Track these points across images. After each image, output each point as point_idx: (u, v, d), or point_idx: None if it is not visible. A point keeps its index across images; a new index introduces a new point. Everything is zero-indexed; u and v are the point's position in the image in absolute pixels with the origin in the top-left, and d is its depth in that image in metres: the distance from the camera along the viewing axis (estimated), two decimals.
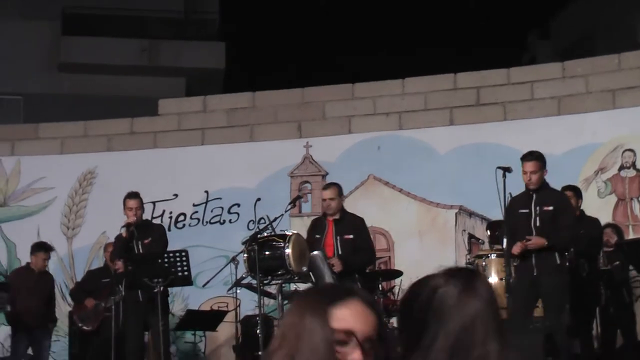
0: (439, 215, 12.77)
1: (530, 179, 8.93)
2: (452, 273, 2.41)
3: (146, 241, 10.20)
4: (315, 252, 9.16)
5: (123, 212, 10.29)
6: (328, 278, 9.01)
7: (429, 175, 12.78)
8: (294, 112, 13.64)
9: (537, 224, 8.84)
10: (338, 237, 9.52)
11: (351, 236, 9.57)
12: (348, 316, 2.21)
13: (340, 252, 9.48)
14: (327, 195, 9.81)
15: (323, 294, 2.30)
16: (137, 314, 9.99)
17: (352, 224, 9.73)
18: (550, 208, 8.87)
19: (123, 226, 10.13)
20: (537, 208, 8.88)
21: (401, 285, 11.90)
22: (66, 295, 13.21)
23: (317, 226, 9.89)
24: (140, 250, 10.17)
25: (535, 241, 8.71)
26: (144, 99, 17.55)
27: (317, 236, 9.54)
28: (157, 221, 13.07)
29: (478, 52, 21.26)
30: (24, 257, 12.38)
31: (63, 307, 12.99)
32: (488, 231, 10.77)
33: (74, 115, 15.16)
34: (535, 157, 9.05)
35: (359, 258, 9.57)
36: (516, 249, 8.71)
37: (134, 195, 10.31)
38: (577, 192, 10.52)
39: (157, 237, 10.34)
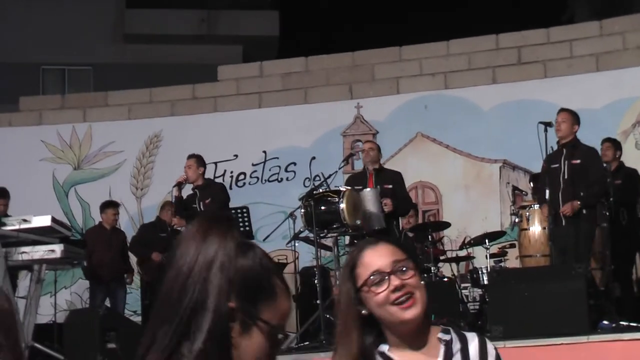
0: (483, 169, 12.71)
1: (560, 127, 8.86)
2: None
3: (207, 201, 10.20)
4: (370, 189, 9.17)
5: None
6: (376, 215, 9.01)
7: (474, 131, 12.70)
8: (345, 75, 13.61)
9: (566, 177, 8.76)
10: (378, 187, 9.48)
11: (390, 186, 9.55)
12: (373, 259, 2.44)
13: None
14: (368, 145, 9.90)
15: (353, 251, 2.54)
16: None
17: (390, 176, 9.74)
18: (578, 161, 8.78)
19: (174, 185, 10.14)
20: (566, 162, 8.81)
21: (449, 236, 11.88)
22: None
23: (356, 178, 9.91)
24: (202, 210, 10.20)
25: (569, 208, 8.63)
26: (204, 66, 17.57)
27: (358, 187, 9.51)
28: (218, 180, 13.14)
29: (518, 13, 20.98)
30: (98, 216, 12.51)
31: (134, 262, 13.14)
32: (531, 183, 10.67)
33: (140, 83, 15.24)
34: (567, 110, 9.02)
35: (402, 204, 9.58)
36: (567, 209, 8.65)
37: (189, 156, 10.28)
38: (616, 144, 10.38)
39: (218, 196, 10.35)
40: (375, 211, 9.03)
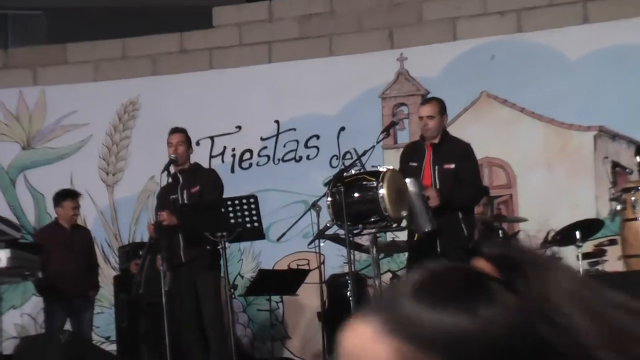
0: (572, 140, 12.61)
1: None
2: None
3: (193, 190, 10.24)
4: (408, 180, 9.05)
5: None
6: (420, 213, 8.90)
7: (558, 89, 12.61)
8: (384, 16, 13.53)
9: None
10: (436, 167, 9.36)
11: (452, 166, 9.38)
12: None
13: (438, 186, 9.31)
14: (425, 112, 9.64)
15: None
16: (181, 279, 10.08)
17: (454, 151, 9.54)
18: None
19: (165, 169, 10.20)
20: None
21: (527, 231, 11.79)
22: (109, 257, 13.36)
23: (412, 152, 9.76)
24: (186, 201, 10.21)
25: None
26: (195, 8, 17.50)
27: (413, 164, 9.39)
28: (216, 160, 13.13)
29: None
30: (53, 211, 12.49)
31: (106, 272, 13.14)
32: (637, 157, 10.56)
33: (109, 32, 15.19)
34: None
35: (461, 193, 9.36)
36: None
37: (175, 130, 10.47)
38: None
39: (208, 184, 10.36)
40: (418, 208, 8.93)
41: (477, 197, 9.92)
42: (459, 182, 9.31)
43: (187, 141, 10.50)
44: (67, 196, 12.06)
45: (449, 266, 1.36)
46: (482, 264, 1.37)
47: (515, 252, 1.38)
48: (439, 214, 8.99)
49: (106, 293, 12.81)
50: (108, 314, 12.81)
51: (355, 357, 1.31)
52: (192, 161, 10.60)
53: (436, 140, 9.51)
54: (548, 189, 12.52)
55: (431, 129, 9.48)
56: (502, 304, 1.31)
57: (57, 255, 11.47)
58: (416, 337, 1.29)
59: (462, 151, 9.56)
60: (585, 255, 10.49)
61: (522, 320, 1.31)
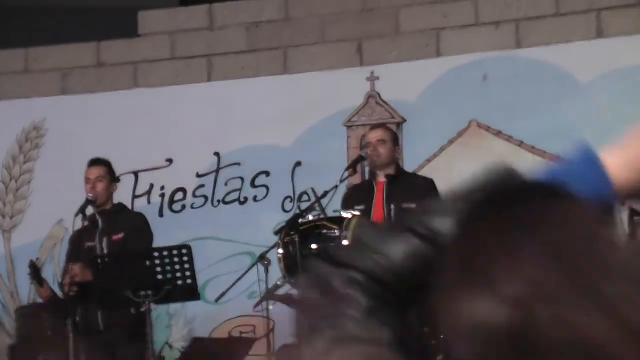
0: None
1: None
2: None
3: (116, 237, 10.24)
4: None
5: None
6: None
7: (565, 118, 12.72)
8: (351, 25, 13.63)
9: None
10: (392, 205, 9.43)
11: (413, 205, 9.48)
12: None
13: None
14: (375, 136, 9.77)
15: None
16: (97, 351, 10.10)
17: (414, 187, 9.64)
18: None
19: (80, 211, 10.19)
20: None
21: None
22: (4, 321, 13.29)
23: (358, 194, 9.86)
24: (105, 251, 10.22)
25: None
26: (117, 10, 17.62)
27: (360, 207, 9.46)
28: (141, 202, 13.16)
29: None
30: None
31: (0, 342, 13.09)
32: None
33: (10, 40, 15.26)
34: None
35: None
36: None
37: (95, 162, 10.44)
38: None
39: (135, 231, 10.38)
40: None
41: None
42: None
43: (110, 176, 10.44)
44: None
45: None
46: None
47: None
48: None
49: None
50: None
51: None
52: (115, 201, 10.63)
53: (391, 171, 9.60)
54: None
55: (383, 156, 9.58)
56: None
57: None
58: None
59: (425, 186, 9.66)
60: None
61: None
